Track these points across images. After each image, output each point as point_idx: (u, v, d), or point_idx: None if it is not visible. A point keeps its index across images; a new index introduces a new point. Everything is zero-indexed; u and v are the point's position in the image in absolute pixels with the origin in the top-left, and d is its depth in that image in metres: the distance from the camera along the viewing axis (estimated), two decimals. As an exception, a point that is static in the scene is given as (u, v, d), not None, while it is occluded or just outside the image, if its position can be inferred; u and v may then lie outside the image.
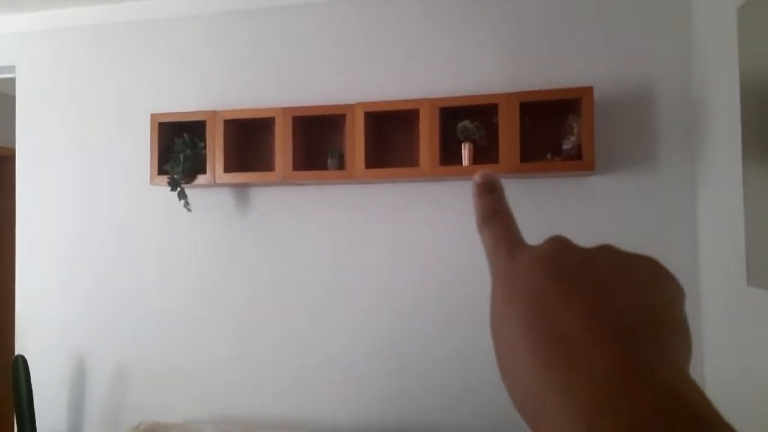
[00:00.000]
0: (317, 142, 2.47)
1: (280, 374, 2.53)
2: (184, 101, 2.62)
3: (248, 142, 2.54)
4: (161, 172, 2.44)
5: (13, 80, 2.98)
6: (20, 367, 2.57)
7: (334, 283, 2.49)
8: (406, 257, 2.41)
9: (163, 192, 2.58)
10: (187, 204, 2.45)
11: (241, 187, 2.58)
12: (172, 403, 2.64)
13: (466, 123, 2.18)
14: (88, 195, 2.78)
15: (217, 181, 2.38)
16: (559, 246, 0.31)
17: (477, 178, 0.36)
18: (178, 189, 2.40)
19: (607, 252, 0.31)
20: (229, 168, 2.39)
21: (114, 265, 2.73)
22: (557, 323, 0.27)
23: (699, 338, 2.17)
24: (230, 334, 2.59)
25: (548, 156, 2.15)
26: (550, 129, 2.23)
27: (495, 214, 0.35)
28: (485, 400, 2.34)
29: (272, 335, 2.55)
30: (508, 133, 2.10)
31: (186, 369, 2.63)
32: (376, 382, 2.43)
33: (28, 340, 2.83)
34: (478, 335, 2.34)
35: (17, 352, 2.83)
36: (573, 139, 2.14)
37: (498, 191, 0.36)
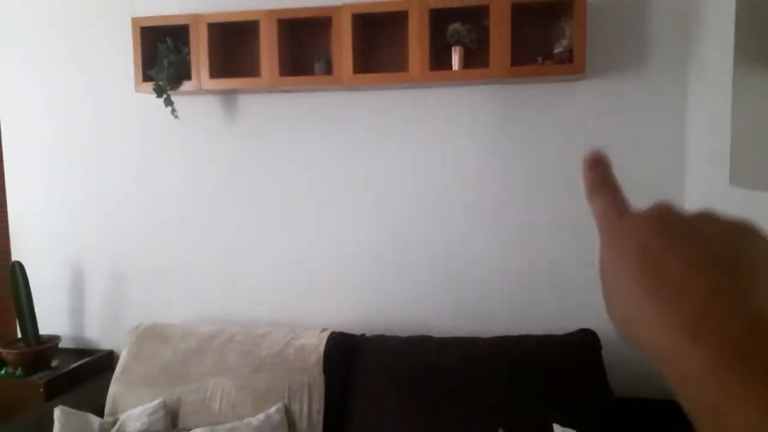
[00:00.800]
0: (304, 46, 2.41)
1: (272, 277, 2.61)
2: (166, 4, 2.53)
3: (234, 48, 2.48)
4: (146, 78, 2.40)
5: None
6: (17, 272, 2.63)
7: (323, 189, 2.51)
8: (395, 163, 2.43)
9: (149, 99, 2.54)
10: (174, 111, 2.42)
11: (228, 94, 2.54)
12: (169, 304, 2.73)
13: (457, 25, 2.14)
14: (73, 103, 2.73)
15: (203, 87, 2.34)
16: (663, 208, 0.34)
17: (587, 155, 0.41)
18: (164, 96, 2.37)
19: (707, 214, 0.33)
20: (214, 74, 2.35)
21: (104, 172, 2.73)
22: (661, 262, 0.31)
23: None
24: (223, 238, 2.64)
25: (539, 60, 2.12)
26: (541, 32, 2.19)
27: (603, 185, 0.41)
28: (472, 300, 2.43)
29: (262, 240, 2.60)
30: (499, 36, 2.06)
31: (181, 272, 2.70)
32: (367, 283, 2.52)
33: (24, 246, 2.87)
34: (467, 236, 2.40)
35: (13, 256, 2.88)
36: (565, 42, 2.11)
37: (606, 166, 0.41)
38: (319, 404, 2.19)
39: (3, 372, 2.57)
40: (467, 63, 2.17)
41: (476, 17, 2.16)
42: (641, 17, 2.18)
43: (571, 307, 2.35)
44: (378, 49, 2.32)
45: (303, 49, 2.40)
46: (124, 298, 2.79)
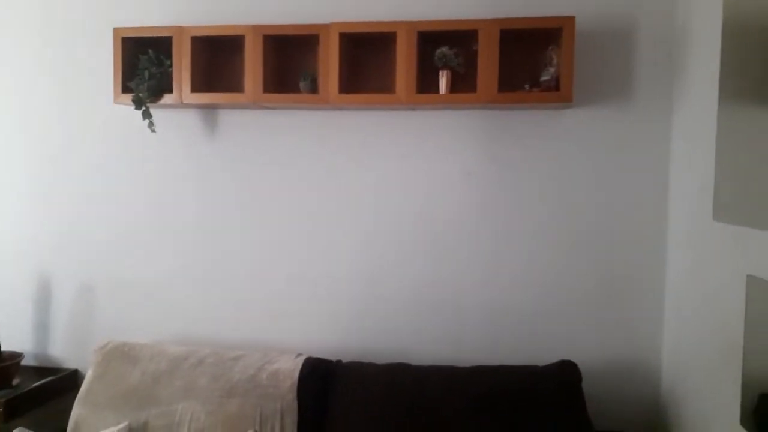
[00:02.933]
0: (289, 63, 2.37)
1: (247, 297, 2.54)
2: (149, 15, 2.48)
3: (217, 62, 2.43)
4: (125, 90, 2.34)
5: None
6: (-19, 286, 2.52)
7: (302, 209, 2.46)
8: (379, 185, 2.39)
9: (127, 111, 2.48)
10: (151, 124, 2.36)
11: (208, 109, 2.49)
12: (138, 322, 2.63)
13: (444, 49, 2.12)
14: (48, 112, 2.65)
15: (184, 101, 2.28)
16: None
17: None
18: (143, 108, 2.31)
19: None
20: (196, 88, 2.29)
21: (77, 183, 2.65)
22: None
23: (662, 269, 2.23)
24: (197, 256, 2.56)
25: (526, 87, 2.11)
26: (529, 60, 2.19)
27: None
28: (451, 328, 2.39)
29: (238, 258, 2.53)
30: (487, 61, 2.05)
31: (152, 289, 2.61)
32: (344, 307, 2.46)
33: (-11, 259, 2.77)
34: (447, 262, 2.36)
35: (-22, 272, 2.77)
36: (552, 70, 2.10)
37: None
38: (291, 431, 2.11)
39: (-41, 390, 2.45)
40: (455, 87, 2.15)
41: (464, 41, 2.15)
42: (628, 49, 2.19)
43: (552, 338, 2.31)
44: (365, 69, 2.30)
45: (288, 66, 2.36)
46: (92, 314, 2.69)
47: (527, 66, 2.17)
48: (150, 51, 2.33)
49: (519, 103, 2.08)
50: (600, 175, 2.24)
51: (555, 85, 2.09)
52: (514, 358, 2.28)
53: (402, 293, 2.41)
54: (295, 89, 2.31)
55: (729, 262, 1.70)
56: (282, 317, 2.51)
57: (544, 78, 2.11)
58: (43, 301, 2.74)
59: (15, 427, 2.04)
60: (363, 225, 2.42)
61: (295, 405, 2.13)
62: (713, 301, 1.81)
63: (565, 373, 2.13)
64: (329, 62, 2.15)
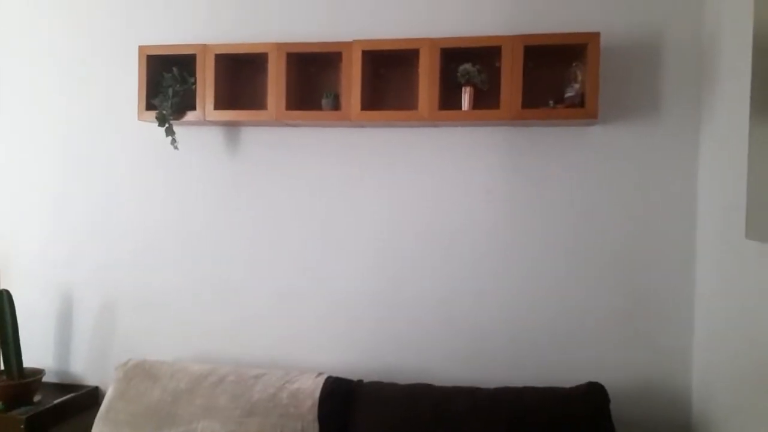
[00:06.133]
0: (312, 81, 2.38)
1: (268, 315, 2.52)
2: (173, 34, 2.50)
3: (240, 79, 2.45)
4: (149, 107, 2.36)
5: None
6: (5, 301, 2.54)
7: (325, 227, 2.45)
8: (401, 202, 2.37)
9: (150, 128, 2.50)
10: (174, 141, 2.37)
11: (231, 126, 2.50)
12: (159, 340, 2.63)
13: (467, 66, 2.11)
14: (73, 128, 2.68)
15: (207, 118, 2.30)
16: None
17: None
18: (166, 125, 2.32)
19: None
20: (219, 105, 2.31)
21: (100, 200, 2.67)
22: None
23: (692, 288, 2.17)
24: (219, 274, 2.56)
25: (551, 103, 2.09)
26: (553, 76, 2.17)
27: None
28: (474, 348, 2.34)
29: (260, 277, 2.52)
30: (511, 77, 2.03)
31: (174, 307, 2.61)
32: (365, 324, 2.43)
33: (12, 274, 2.78)
34: (470, 281, 2.33)
35: (1, 286, 2.79)
36: (577, 87, 2.07)
37: None
38: (312, 452, 2.08)
39: (-18, 406, 2.45)
40: (478, 104, 2.13)
41: (487, 58, 2.14)
42: (654, 63, 2.16)
43: (578, 359, 2.26)
44: (387, 86, 2.29)
45: (311, 83, 2.36)
46: (113, 331, 2.69)
47: (551, 82, 2.15)
48: (174, 69, 2.35)
49: (543, 119, 2.06)
50: (626, 192, 2.20)
51: (579, 102, 2.06)
52: (538, 379, 2.22)
53: (423, 311, 2.38)
54: (317, 107, 2.31)
55: (762, 280, 1.65)
56: (303, 335, 2.49)
57: (568, 94, 2.08)
58: (65, 317, 2.75)
59: (36, 445, 2.04)
60: (384, 242, 2.40)
61: (316, 425, 2.10)
62: (745, 320, 1.76)
63: (593, 396, 2.07)
64: (351, 79, 2.15)
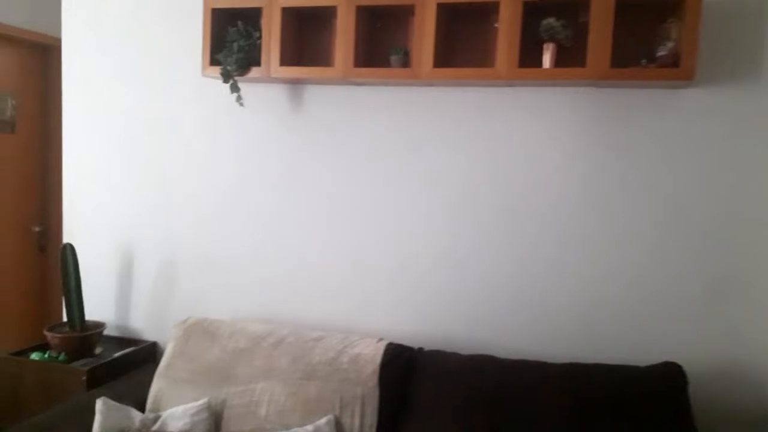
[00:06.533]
0: (378, 38, 2.27)
1: (328, 278, 2.47)
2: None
3: (305, 36, 2.36)
4: (213, 62, 2.30)
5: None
6: (68, 255, 2.57)
7: (392, 190, 2.36)
8: (472, 166, 2.26)
9: (215, 84, 2.45)
10: (239, 98, 2.31)
11: (295, 84, 2.42)
12: (218, 299, 2.62)
13: (551, 20, 1.97)
14: (136, 84, 2.66)
15: (272, 75, 2.22)
16: None
17: None
18: (231, 81, 2.26)
19: None
20: (284, 61, 2.23)
21: (162, 157, 2.65)
22: None
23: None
24: (279, 233, 2.52)
25: (643, 62, 1.93)
26: (640, 34, 2.00)
27: None
28: (540, 320, 2.24)
29: (321, 238, 2.47)
30: (600, 33, 1.88)
31: (234, 266, 2.59)
32: (430, 291, 2.35)
33: (77, 229, 2.82)
34: (541, 250, 2.22)
35: (65, 240, 2.83)
36: (670, 45, 1.91)
37: None
38: (372, 419, 2.03)
39: (47, 356, 2.50)
40: (560, 61, 1.99)
41: (571, 13, 1.99)
42: (757, 20, 1.96)
43: (655, 339, 2.13)
44: (460, 44, 2.16)
45: (378, 40, 2.26)
46: (172, 289, 2.70)
47: (640, 40, 1.98)
48: (239, 22, 2.28)
49: (634, 79, 1.90)
50: (719, 163, 2.03)
51: (672, 62, 1.90)
52: (611, 358, 2.11)
53: (489, 281, 2.28)
54: (383, 64, 2.21)
55: None
56: (362, 300, 2.44)
57: (660, 53, 1.92)
58: (126, 274, 2.77)
59: (97, 396, 2.05)
60: (451, 209, 2.30)
61: (376, 392, 2.05)
62: None
63: (670, 376, 1.95)
64: (424, 35, 2.04)
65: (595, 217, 2.15)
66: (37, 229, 3.96)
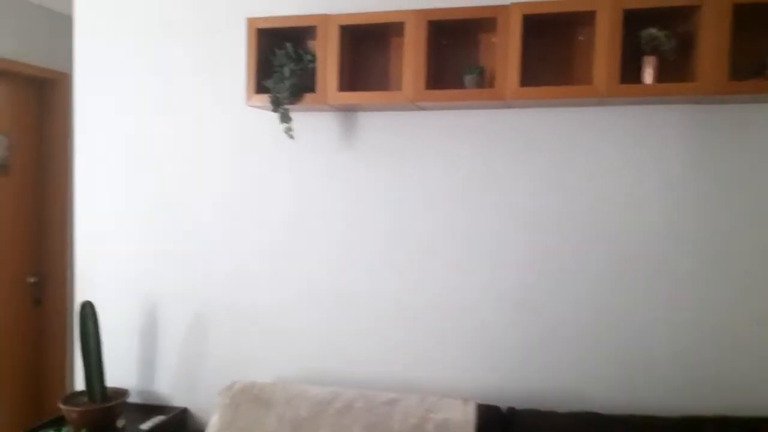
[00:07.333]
0: (444, 57, 2.03)
1: (384, 328, 2.18)
2: (278, 4, 2.18)
3: (359, 57, 2.12)
4: (259, 89, 2.03)
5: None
6: (88, 314, 2.23)
7: (458, 223, 2.09)
8: (555, 196, 2.01)
9: (252, 114, 2.18)
10: (289, 129, 2.04)
11: (347, 111, 2.16)
12: (255, 357, 2.30)
13: (653, 30, 1.75)
14: (159, 119, 2.37)
15: (329, 102, 1.96)
16: None
17: None
18: (281, 110, 1.99)
19: None
20: (343, 86, 1.97)
21: (192, 199, 2.35)
22: None
23: None
24: (328, 280, 2.22)
25: (766, 72, 1.72)
26: (749, 43, 1.79)
27: None
28: (642, 368, 1.97)
29: (375, 282, 2.18)
30: (715, 41, 1.67)
31: (273, 319, 2.28)
32: (500, 337, 2.07)
33: (92, 283, 2.48)
34: (635, 291, 1.96)
35: (78, 296, 2.49)
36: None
37: None
38: (469, 497, 1.74)
39: (65, 433, 2.15)
40: (663, 75, 1.78)
41: (673, 22, 1.78)
42: None
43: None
44: (539, 59, 1.93)
45: (443, 59, 2.02)
46: (204, 346, 2.37)
47: (751, 50, 1.78)
48: (288, 45, 2.02)
49: (757, 92, 1.68)
50: None
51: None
52: (723, 407, 1.86)
53: (576, 324, 2.01)
54: (454, 85, 1.97)
55: None
56: (426, 351, 2.14)
57: (779, 64, 1.71)
58: (150, 332, 2.44)
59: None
60: (528, 243, 2.04)
61: (473, 464, 1.75)
62: None
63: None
64: (508, 50, 1.80)
65: (702, 255, 1.91)
66: (32, 280, 3.58)
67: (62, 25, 3.22)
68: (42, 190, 3.63)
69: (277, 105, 1.97)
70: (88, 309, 2.23)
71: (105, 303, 2.41)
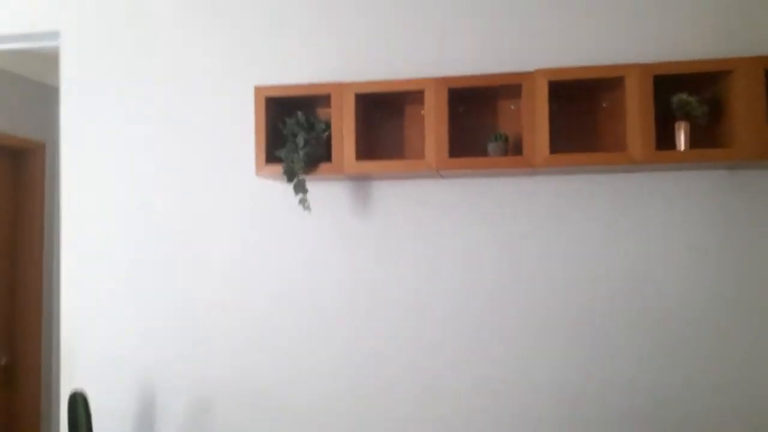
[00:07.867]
0: (460, 123, 1.96)
1: (408, 411, 2.02)
2: (288, 71, 2.10)
3: (371, 124, 2.04)
4: (269, 159, 1.92)
5: (54, 50, 2.41)
6: (79, 405, 2.02)
7: (484, 302, 1.98)
8: (583, 266, 1.92)
9: (260, 185, 2.06)
10: (304, 200, 1.92)
11: (360, 180, 2.06)
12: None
13: (684, 96, 1.71)
14: (154, 190, 2.23)
15: (347, 171, 1.86)
16: None
17: None
18: (295, 180, 1.88)
19: None
20: (359, 155, 1.88)
21: (191, 276, 2.18)
22: None
23: None
24: (346, 361, 2.07)
25: (805, 137, 1.68)
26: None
27: None
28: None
29: (399, 364, 2.03)
30: (750, 106, 1.63)
31: (286, 401, 2.10)
32: (537, 423, 1.93)
33: (81, 369, 2.26)
34: (680, 369, 1.85)
35: (63, 382, 2.27)
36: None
37: None
38: None
39: None
40: (695, 141, 1.74)
41: (701, 86, 1.75)
42: None
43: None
44: (570, 123, 1.88)
45: (460, 126, 1.95)
46: (206, 434, 2.17)
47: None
48: (298, 113, 1.93)
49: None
50: None
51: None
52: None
53: (617, 410, 1.89)
54: (475, 153, 1.90)
55: None
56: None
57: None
58: (147, 422, 2.22)
59: None
60: (564, 320, 1.93)
61: None
62: None
63: None
64: (536, 116, 1.74)
65: (741, 322, 1.83)
66: (2, 362, 3.31)
67: (37, 93, 3.08)
68: (13, 265, 3.41)
69: (291, 175, 1.86)
70: (79, 401, 2.01)
71: (94, 390, 2.19)
